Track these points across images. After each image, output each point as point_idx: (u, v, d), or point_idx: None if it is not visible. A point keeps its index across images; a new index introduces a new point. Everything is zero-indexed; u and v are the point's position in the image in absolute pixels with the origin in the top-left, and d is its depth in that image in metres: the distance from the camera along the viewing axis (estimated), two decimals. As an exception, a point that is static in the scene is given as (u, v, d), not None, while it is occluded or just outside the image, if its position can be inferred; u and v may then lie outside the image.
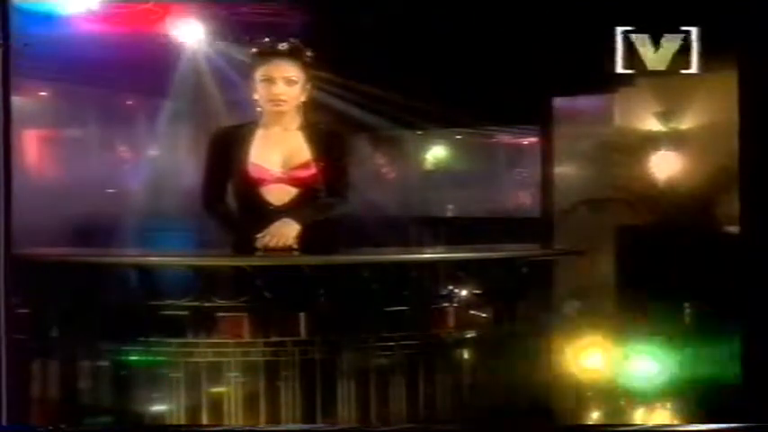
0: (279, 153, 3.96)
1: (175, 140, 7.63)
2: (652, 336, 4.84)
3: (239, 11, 6.29)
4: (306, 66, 3.96)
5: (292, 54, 3.93)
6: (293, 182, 3.94)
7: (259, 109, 4.00)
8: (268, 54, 3.93)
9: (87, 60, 6.32)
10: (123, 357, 3.85)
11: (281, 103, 3.91)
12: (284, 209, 3.94)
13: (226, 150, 3.98)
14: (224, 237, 4.09)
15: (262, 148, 3.97)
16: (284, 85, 3.90)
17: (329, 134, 4.02)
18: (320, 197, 3.96)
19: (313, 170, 3.94)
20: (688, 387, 4.66)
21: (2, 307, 3.66)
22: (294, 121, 3.98)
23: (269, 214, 3.92)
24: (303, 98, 3.97)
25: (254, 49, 3.98)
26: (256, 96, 3.97)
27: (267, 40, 3.97)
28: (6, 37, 3.67)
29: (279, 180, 3.93)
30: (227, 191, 4.03)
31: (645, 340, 4.78)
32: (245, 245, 3.93)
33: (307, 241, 3.87)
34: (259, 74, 3.92)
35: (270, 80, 3.90)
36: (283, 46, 3.93)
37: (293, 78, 3.91)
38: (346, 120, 6.16)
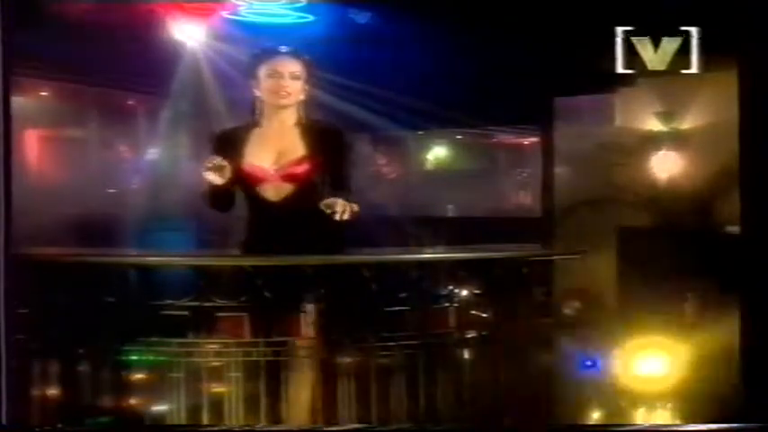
0: (274, 151, 4.02)
1: (175, 140, 7.63)
2: (652, 336, 4.84)
3: (239, 11, 6.30)
4: (306, 65, 4.03)
5: (294, 53, 4.05)
6: (288, 178, 3.98)
7: (259, 105, 4.04)
8: (272, 53, 4.05)
9: (87, 60, 6.32)
10: (123, 357, 3.85)
11: (286, 95, 4.01)
12: (282, 205, 3.97)
13: (226, 152, 4.01)
14: (232, 236, 4.13)
15: (258, 147, 4.03)
16: (289, 79, 4.02)
17: (325, 130, 4.08)
18: (318, 192, 3.98)
19: (306, 165, 3.98)
20: (688, 387, 4.66)
21: (2, 307, 3.66)
22: (292, 118, 4.04)
23: (269, 211, 3.97)
24: (303, 96, 4.03)
25: (257, 50, 4.06)
26: (258, 93, 4.03)
27: (268, 44, 4.07)
28: (6, 36, 3.67)
29: (274, 177, 3.97)
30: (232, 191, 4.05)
31: (644, 340, 4.78)
32: (251, 244, 3.97)
33: (311, 241, 3.91)
34: (264, 70, 4.03)
35: (276, 74, 4.01)
36: (285, 47, 4.06)
37: (297, 74, 4.03)
38: (346, 119, 6.15)
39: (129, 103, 7.83)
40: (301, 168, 3.97)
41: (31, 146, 7.42)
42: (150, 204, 7.10)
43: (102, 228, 6.11)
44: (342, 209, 3.75)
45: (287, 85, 4.00)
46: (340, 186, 3.99)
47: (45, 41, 5.13)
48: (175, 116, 7.38)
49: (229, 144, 4.04)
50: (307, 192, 3.97)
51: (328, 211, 3.74)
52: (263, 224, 3.98)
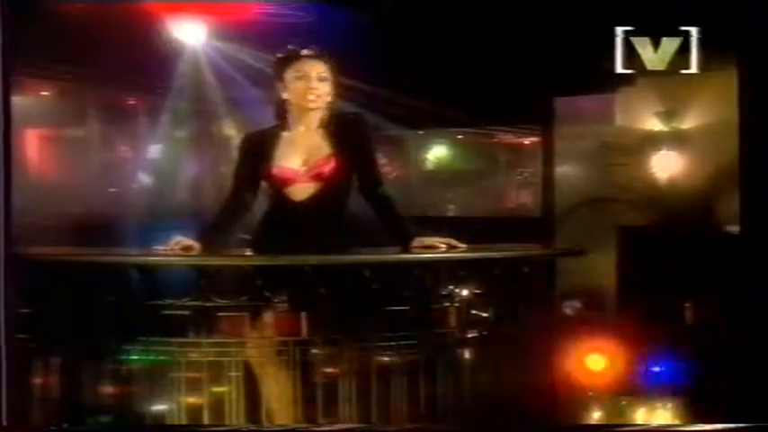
0: (302, 153, 4.04)
1: (175, 140, 7.64)
2: (652, 336, 4.84)
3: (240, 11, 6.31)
4: (332, 67, 4.05)
5: (320, 55, 4.05)
6: (315, 178, 4.00)
7: (287, 107, 4.05)
8: (298, 55, 4.04)
9: (87, 60, 6.33)
10: (123, 357, 3.85)
11: (316, 98, 4.00)
12: (306, 204, 3.99)
13: (255, 155, 4.07)
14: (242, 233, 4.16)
15: (287, 149, 4.04)
16: (317, 81, 4.00)
17: (346, 123, 4.08)
18: (342, 190, 4.03)
19: (333, 163, 3.99)
20: (688, 387, 4.66)
21: (2, 307, 3.66)
22: (318, 120, 4.05)
23: (293, 211, 3.99)
24: (330, 98, 4.05)
25: (282, 53, 4.07)
26: (286, 95, 4.04)
27: (293, 46, 4.07)
28: (6, 36, 3.67)
29: (303, 178, 4.00)
30: (250, 191, 4.08)
31: (645, 340, 4.78)
32: (269, 244, 4.00)
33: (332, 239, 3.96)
34: (291, 73, 4.01)
35: (304, 77, 3.99)
36: (310, 50, 4.05)
37: (324, 75, 4.01)
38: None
39: (130, 102, 7.84)
40: (329, 167, 3.99)
41: (32, 146, 7.42)
42: (150, 204, 7.10)
43: (102, 227, 6.12)
44: (444, 246, 3.90)
45: (316, 87, 3.98)
46: (369, 180, 4.02)
47: (45, 41, 5.13)
48: (176, 116, 7.39)
49: (258, 147, 4.06)
50: (333, 190, 3.99)
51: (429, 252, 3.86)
52: (286, 224, 4.00)
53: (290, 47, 4.08)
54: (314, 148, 4.02)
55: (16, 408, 3.69)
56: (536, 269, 4.11)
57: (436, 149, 9.02)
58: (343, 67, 4.11)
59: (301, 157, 4.01)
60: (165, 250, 3.89)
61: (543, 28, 5.53)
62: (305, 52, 4.03)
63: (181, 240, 3.90)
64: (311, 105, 4.00)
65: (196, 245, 3.90)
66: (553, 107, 6.98)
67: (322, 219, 3.96)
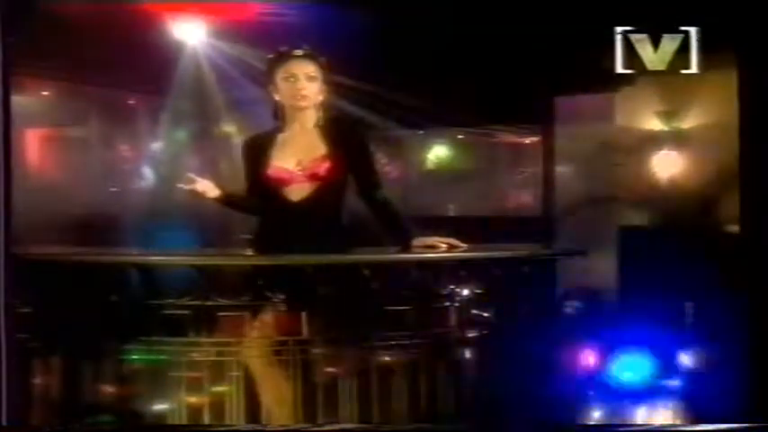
0: (298, 152, 4.07)
1: (175, 139, 7.64)
2: (652, 336, 4.84)
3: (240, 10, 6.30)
4: (322, 66, 4.07)
5: (308, 55, 4.08)
6: (311, 177, 4.02)
7: (280, 109, 4.07)
8: (287, 56, 4.08)
9: (87, 59, 6.33)
10: (123, 357, 3.85)
11: (304, 98, 4.04)
12: (302, 204, 4.01)
13: (253, 158, 4.11)
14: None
15: (282, 149, 4.08)
16: (306, 81, 4.04)
17: (343, 128, 4.11)
18: (338, 190, 4.05)
19: (328, 164, 4.01)
20: (688, 387, 4.67)
21: (2, 307, 3.66)
22: (312, 119, 4.08)
23: (290, 211, 4.01)
24: (321, 97, 4.07)
25: (271, 55, 4.09)
26: (278, 97, 4.07)
27: (282, 47, 4.09)
28: (6, 36, 3.68)
29: (298, 178, 4.02)
30: (257, 193, 4.12)
31: (645, 341, 4.79)
32: (267, 244, 4.03)
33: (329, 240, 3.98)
34: (280, 74, 4.06)
35: (292, 77, 4.03)
36: (299, 51, 4.08)
37: (313, 75, 4.05)
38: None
39: (130, 102, 7.84)
40: (324, 167, 4.01)
41: (32, 146, 7.42)
42: (151, 204, 7.10)
43: (102, 227, 6.12)
44: (444, 246, 3.93)
45: (303, 88, 4.03)
46: (368, 182, 4.04)
47: (45, 41, 5.13)
48: (176, 116, 7.39)
49: (257, 149, 4.11)
50: (330, 190, 4.01)
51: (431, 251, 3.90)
52: (283, 224, 4.02)
53: (279, 48, 4.11)
54: (309, 149, 4.05)
55: (16, 408, 3.69)
56: (536, 269, 4.12)
57: (436, 149, 9.02)
58: (341, 66, 4.13)
59: (296, 157, 4.04)
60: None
61: (543, 27, 5.53)
62: (293, 53, 4.07)
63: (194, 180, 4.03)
64: (301, 105, 4.04)
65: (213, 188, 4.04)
66: (553, 107, 6.98)
67: (318, 218, 3.98)
